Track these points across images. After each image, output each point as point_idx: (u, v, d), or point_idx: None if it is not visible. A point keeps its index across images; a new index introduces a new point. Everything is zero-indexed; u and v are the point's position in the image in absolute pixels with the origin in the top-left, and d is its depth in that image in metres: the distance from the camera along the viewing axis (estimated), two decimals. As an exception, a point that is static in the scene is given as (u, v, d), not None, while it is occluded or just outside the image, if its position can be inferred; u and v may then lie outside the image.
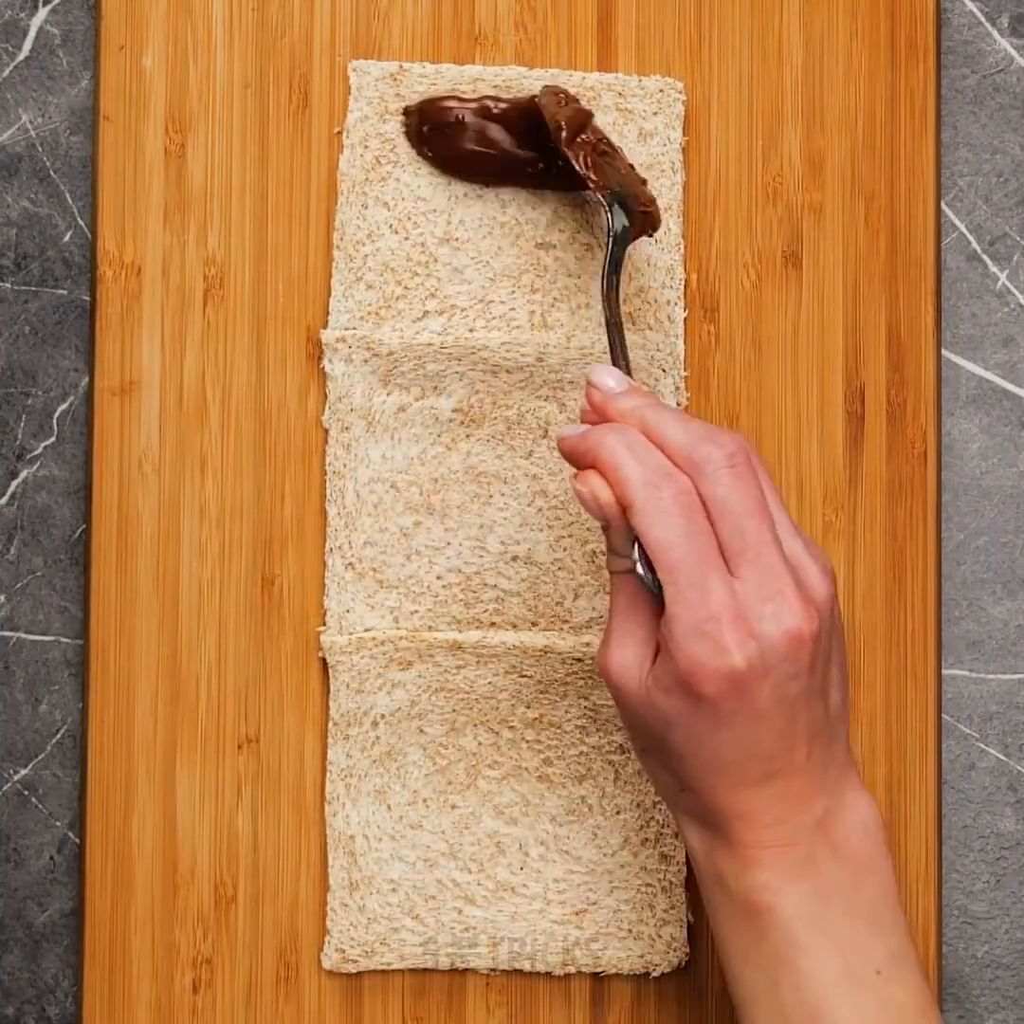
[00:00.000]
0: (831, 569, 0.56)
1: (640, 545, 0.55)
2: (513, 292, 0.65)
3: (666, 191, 0.65)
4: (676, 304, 0.65)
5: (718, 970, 0.65)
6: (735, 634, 0.53)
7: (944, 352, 0.68)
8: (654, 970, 0.64)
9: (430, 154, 0.64)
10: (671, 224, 0.65)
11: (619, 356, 0.59)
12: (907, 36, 0.67)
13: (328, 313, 0.65)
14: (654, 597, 0.55)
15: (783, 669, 0.54)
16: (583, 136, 0.62)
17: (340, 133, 0.65)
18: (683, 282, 0.65)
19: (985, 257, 0.69)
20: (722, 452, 0.54)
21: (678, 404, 0.65)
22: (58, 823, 0.65)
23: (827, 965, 0.54)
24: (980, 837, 0.68)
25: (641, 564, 0.55)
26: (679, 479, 0.54)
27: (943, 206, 0.68)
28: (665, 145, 0.65)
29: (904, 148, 0.67)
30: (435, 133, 0.64)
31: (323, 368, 0.64)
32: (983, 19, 0.69)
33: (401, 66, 0.65)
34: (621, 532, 0.56)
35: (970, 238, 0.69)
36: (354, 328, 0.64)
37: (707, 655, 0.53)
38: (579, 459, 0.56)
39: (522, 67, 0.65)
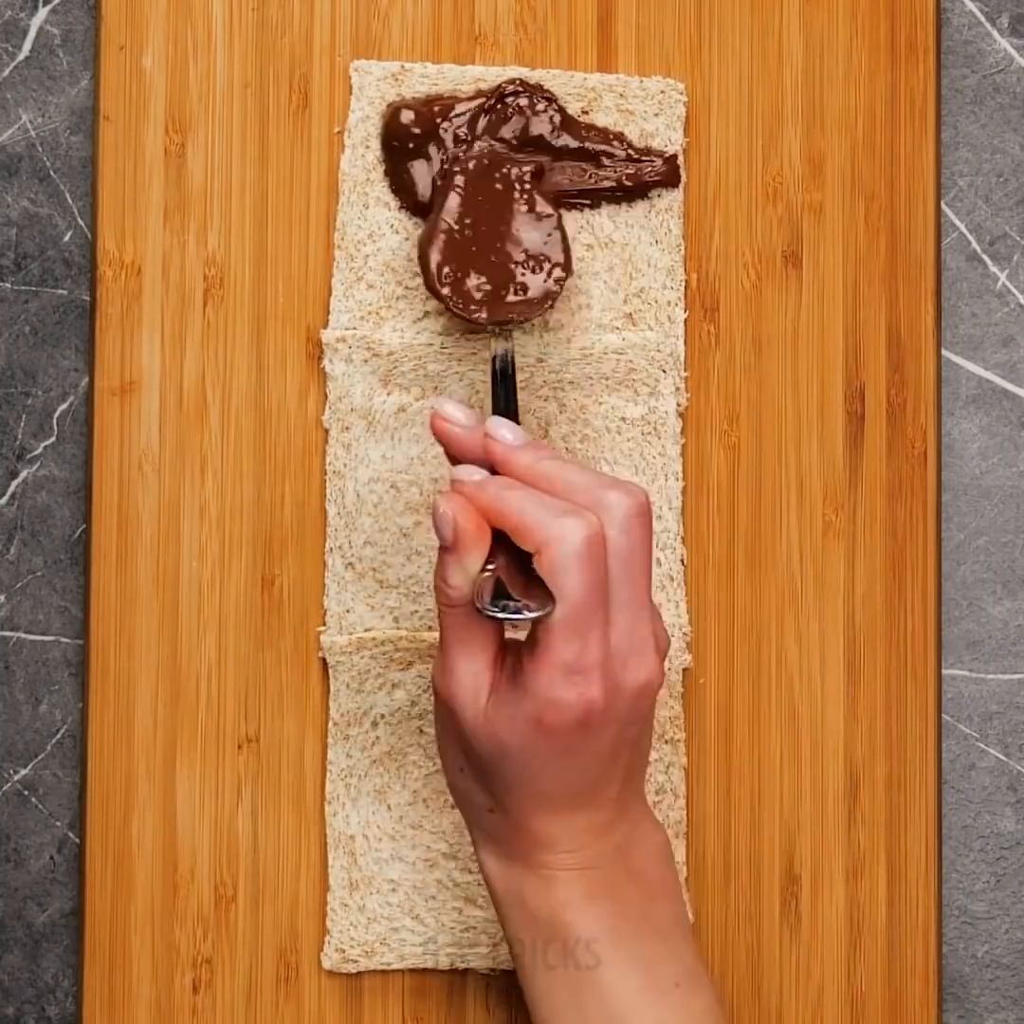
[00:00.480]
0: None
1: (485, 575, 0.54)
2: None
3: (666, 192, 0.65)
4: (676, 305, 0.65)
5: (716, 972, 0.65)
6: (602, 683, 0.54)
7: (944, 352, 0.68)
8: None
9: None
10: (671, 225, 0.65)
11: (511, 407, 0.59)
12: (907, 36, 0.67)
13: (328, 313, 0.65)
14: (488, 625, 0.55)
15: (629, 716, 0.55)
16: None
17: (341, 133, 0.65)
18: (683, 283, 0.65)
19: (985, 257, 0.69)
20: (633, 501, 0.54)
21: (678, 405, 0.65)
22: (58, 823, 0.65)
23: (629, 978, 0.55)
24: (980, 837, 0.68)
25: (485, 596, 0.53)
26: (590, 520, 0.53)
27: (943, 206, 0.68)
28: (666, 146, 0.65)
29: (904, 148, 0.67)
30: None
31: (323, 368, 0.64)
32: (983, 19, 0.69)
33: (402, 66, 0.65)
34: (461, 563, 0.55)
35: (970, 238, 0.69)
36: (354, 328, 0.64)
37: (571, 698, 0.54)
38: (478, 507, 0.55)
39: (524, 67, 0.65)
